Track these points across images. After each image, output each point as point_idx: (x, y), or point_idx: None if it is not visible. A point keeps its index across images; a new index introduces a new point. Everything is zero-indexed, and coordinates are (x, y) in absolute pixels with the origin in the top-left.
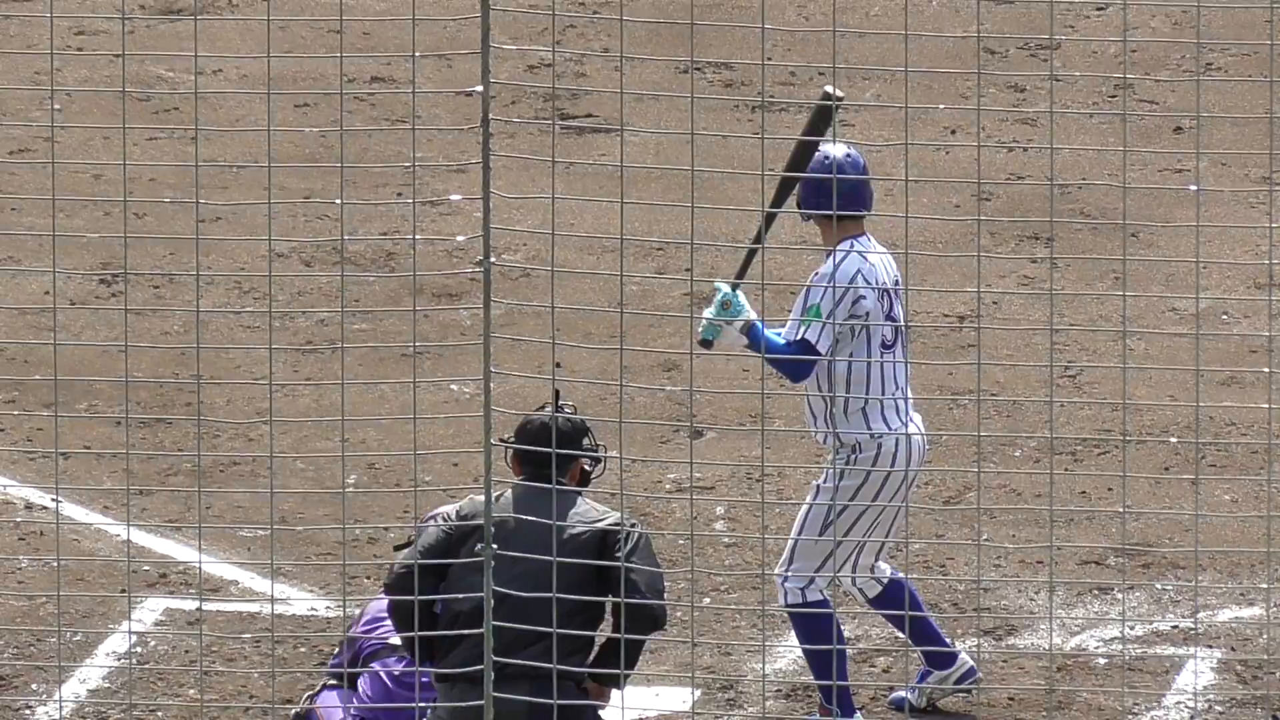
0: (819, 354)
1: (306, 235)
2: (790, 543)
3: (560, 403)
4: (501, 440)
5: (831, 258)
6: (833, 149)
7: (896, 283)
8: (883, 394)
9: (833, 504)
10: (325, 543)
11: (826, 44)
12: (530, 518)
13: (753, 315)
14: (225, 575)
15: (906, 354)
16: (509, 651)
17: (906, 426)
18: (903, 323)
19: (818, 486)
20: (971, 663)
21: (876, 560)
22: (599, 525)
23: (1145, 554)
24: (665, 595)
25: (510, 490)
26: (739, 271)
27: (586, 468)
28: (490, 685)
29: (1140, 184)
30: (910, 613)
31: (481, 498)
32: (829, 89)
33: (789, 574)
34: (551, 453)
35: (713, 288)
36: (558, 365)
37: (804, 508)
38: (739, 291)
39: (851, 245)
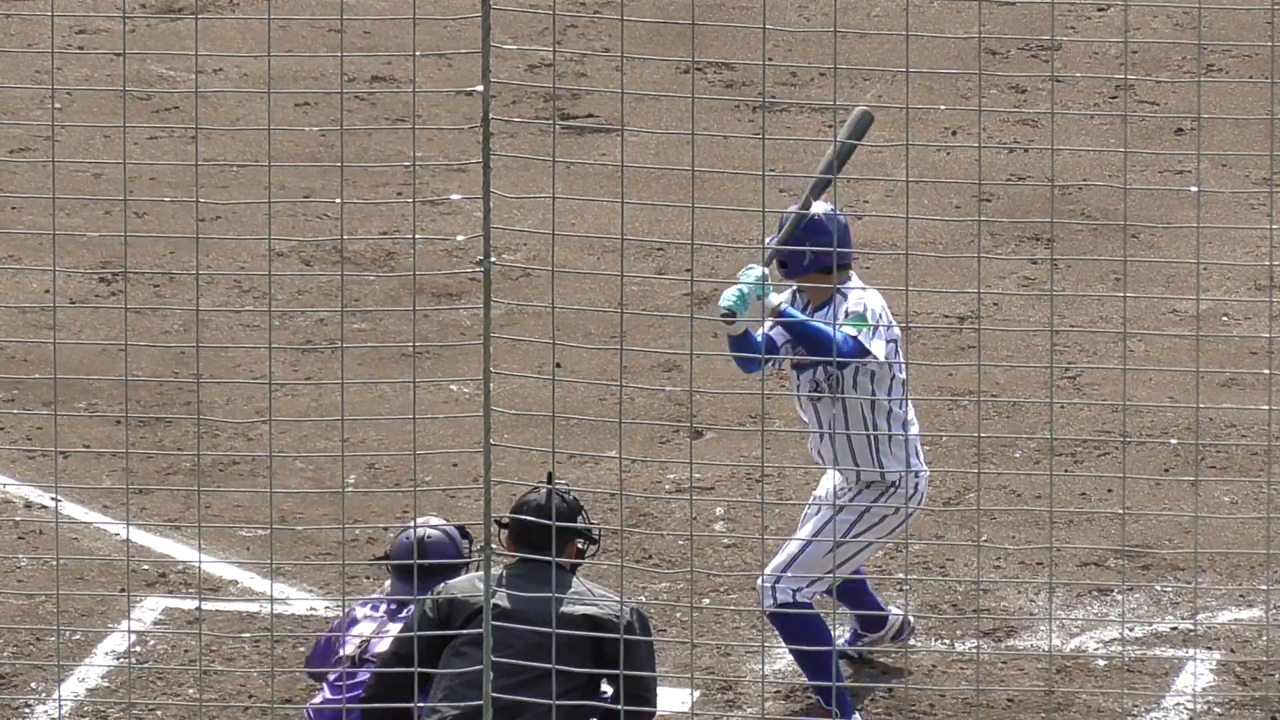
0: (870, 353)
1: (306, 234)
2: (788, 551)
3: (554, 482)
4: (498, 521)
5: (847, 297)
6: (817, 207)
7: None
8: (911, 431)
9: (855, 526)
10: (325, 542)
11: (827, 44)
12: (514, 600)
13: (780, 296)
14: (225, 575)
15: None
16: None
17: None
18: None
19: (839, 507)
20: (903, 616)
21: None
22: (594, 610)
23: (1145, 555)
24: (657, 691)
25: (504, 571)
26: (768, 259)
27: (581, 547)
28: (489, 687)
29: (1141, 185)
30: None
31: (464, 579)
32: (866, 110)
33: (783, 576)
34: (552, 530)
35: (744, 267)
36: (558, 365)
37: (814, 522)
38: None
39: (846, 292)
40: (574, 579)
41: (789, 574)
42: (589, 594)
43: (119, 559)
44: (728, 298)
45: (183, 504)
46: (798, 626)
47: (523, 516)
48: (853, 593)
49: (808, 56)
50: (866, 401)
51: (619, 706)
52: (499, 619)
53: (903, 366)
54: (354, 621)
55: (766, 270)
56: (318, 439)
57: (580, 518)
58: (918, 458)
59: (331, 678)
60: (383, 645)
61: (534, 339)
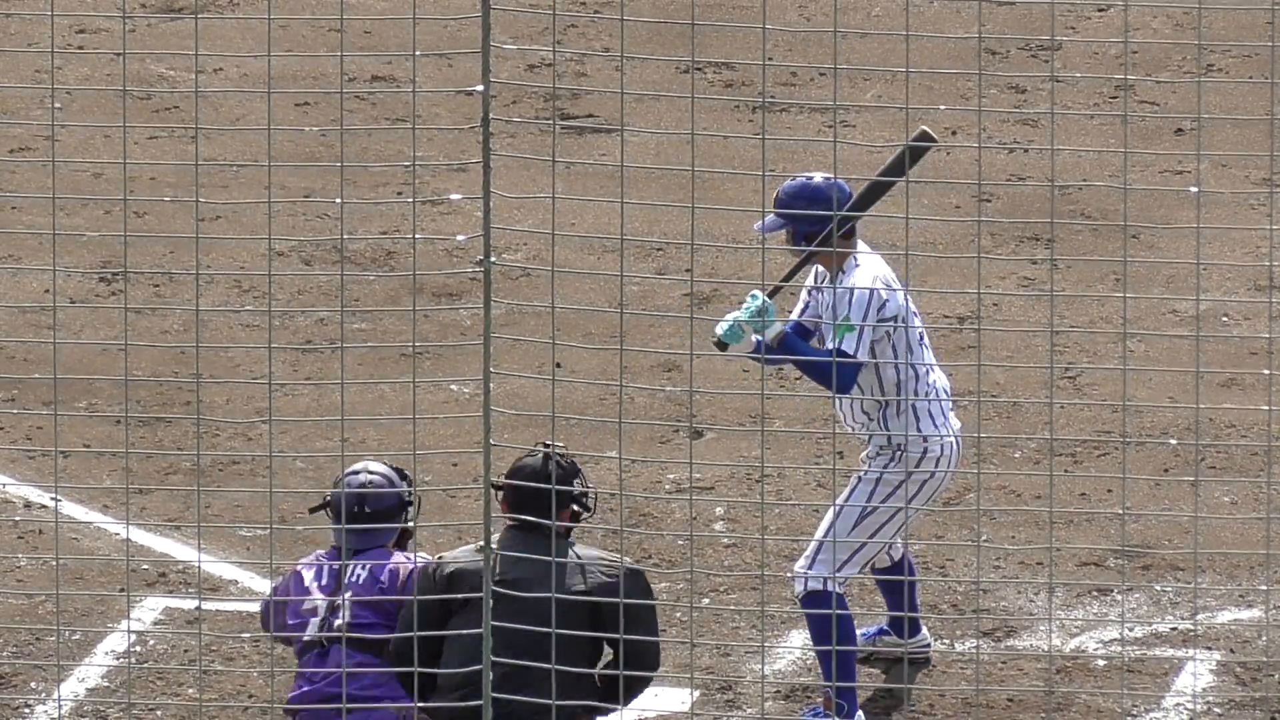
0: (857, 360)
1: (306, 234)
2: (816, 535)
3: (551, 445)
4: (494, 484)
5: (845, 274)
6: (816, 176)
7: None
8: (928, 393)
9: (873, 495)
10: (324, 543)
11: (827, 44)
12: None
13: (782, 325)
14: (224, 574)
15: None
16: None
17: (945, 428)
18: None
19: (858, 478)
20: (930, 641)
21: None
22: (597, 575)
23: (1145, 556)
24: (658, 653)
25: (502, 535)
26: (773, 289)
27: (576, 509)
28: (489, 687)
29: (1141, 185)
30: (907, 578)
31: (463, 549)
32: (927, 130)
33: (814, 561)
34: (551, 492)
35: (749, 294)
36: (558, 365)
37: (842, 496)
38: (771, 302)
39: (856, 260)
40: (570, 545)
41: (820, 558)
42: (586, 559)
43: (119, 559)
44: (723, 327)
45: (183, 504)
46: (821, 619)
47: (518, 481)
48: (897, 590)
49: (808, 56)
50: (870, 373)
51: (618, 672)
52: (497, 587)
53: (916, 327)
54: (304, 591)
55: (768, 301)
56: (318, 439)
57: (577, 481)
58: (942, 416)
59: (305, 667)
60: (342, 619)
61: (534, 339)
